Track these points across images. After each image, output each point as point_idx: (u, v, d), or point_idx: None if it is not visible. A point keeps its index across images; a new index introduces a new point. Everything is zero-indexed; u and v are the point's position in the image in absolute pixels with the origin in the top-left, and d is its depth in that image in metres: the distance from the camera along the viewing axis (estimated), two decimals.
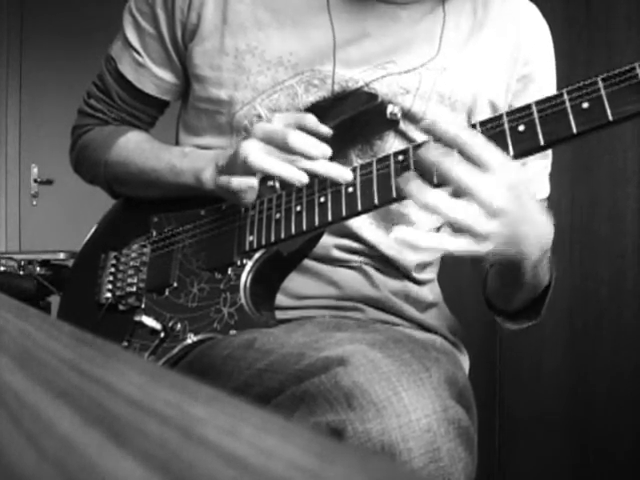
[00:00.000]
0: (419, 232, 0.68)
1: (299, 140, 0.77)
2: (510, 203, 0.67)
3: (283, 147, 0.78)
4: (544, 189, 1.02)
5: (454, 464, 0.63)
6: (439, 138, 0.70)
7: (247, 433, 0.20)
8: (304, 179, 0.77)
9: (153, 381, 0.27)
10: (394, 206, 0.91)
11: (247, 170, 0.80)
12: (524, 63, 0.95)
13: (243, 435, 0.20)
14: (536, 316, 0.93)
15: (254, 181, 0.81)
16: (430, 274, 1.02)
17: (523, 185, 0.69)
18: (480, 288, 0.99)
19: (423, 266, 1.00)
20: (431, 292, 1.02)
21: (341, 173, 0.78)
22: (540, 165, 1.00)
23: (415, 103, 0.90)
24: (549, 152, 1.01)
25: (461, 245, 0.68)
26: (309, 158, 0.78)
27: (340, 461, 0.18)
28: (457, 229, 0.68)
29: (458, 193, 0.68)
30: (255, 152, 0.78)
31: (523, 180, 0.70)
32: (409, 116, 0.90)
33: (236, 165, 0.81)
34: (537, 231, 0.73)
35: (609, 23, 2.05)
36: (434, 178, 0.71)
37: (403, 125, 0.90)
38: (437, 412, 0.63)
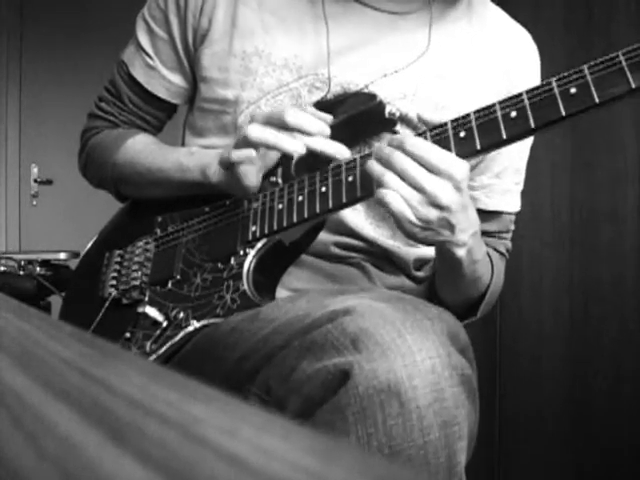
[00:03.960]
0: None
1: (296, 116, 0.80)
2: (455, 199, 0.74)
3: (281, 125, 0.81)
4: (514, 203, 1.05)
5: (458, 407, 0.65)
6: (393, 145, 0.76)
7: (247, 433, 0.20)
8: (300, 149, 0.80)
9: (153, 381, 0.27)
10: None
11: (247, 145, 0.83)
12: (509, 86, 0.97)
13: (243, 435, 0.20)
14: (474, 314, 0.97)
15: (253, 152, 0.83)
16: (427, 272, 1.04)
17: (466, 181, 0.75)
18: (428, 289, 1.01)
19: (420, 264, 1.02)
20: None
21: (338, 149, 0.81)
22: (512, 179, 1.03)
23: (411, 109, 0.93)
24: (522, 168, 1.05)
25: (403, 216, 0.74)
26: (307, 135, 0.81)
27: (340, 461, 0.18)
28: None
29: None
30: (254, 128, 0.81)
31: (467, 177, 0.75)
32: (405, 121, 0.93)
33: (237, 146, 0.84)
34: (469, 220, 0.78)
35: (609, 27, 2.05)
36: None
37: (400, 128, 0.93)
38: (441, 356, 0.65)
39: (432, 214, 0.74)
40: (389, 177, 0.74)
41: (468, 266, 0.84)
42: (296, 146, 0.80)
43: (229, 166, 0.85)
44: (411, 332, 0.65)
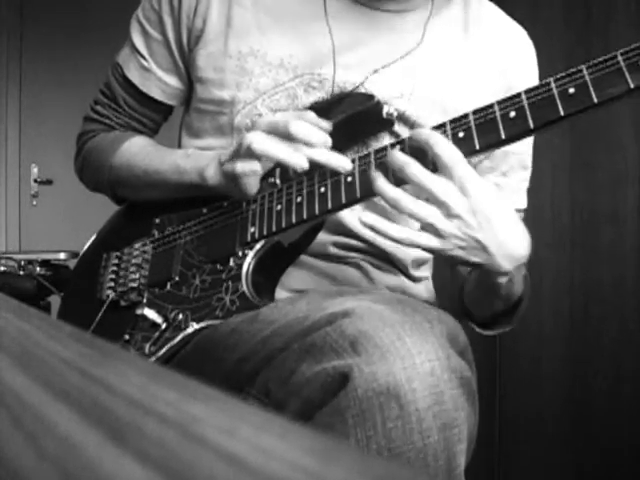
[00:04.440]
0: (388, 222, 0.75)
1: (301, 128, 0.80)
2: (465, 207, 0.73)
3: (285, 135, 0.80)
4: (521, 201, 1.05)
5: (457, 410, 0.64)
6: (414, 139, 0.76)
7: (246, 433, 0.20)
8: (305, 164, 0.79)
9: (153, 381, 0.27)
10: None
11: (251, 157, 0.82)
12: (508, 82, 0.98)
13: (242, 435, 0.20)
14: (508, 325, 0.95)
15: (257, 166, 0.83)
16: (425, 272, 1.04)
17: (482, 192, 0.73)
18: (455, 294, 1.00)
19: (418, 264, 1.02)
20: (426, 290, 1.04)
21: (341, 162, 0.81)
22: (519, 177, 1.03)
23: (409, 107, 0.93)
24: (529, 164, 1.05)
25: (425, 240, 0.74)
26: (311, 147, 0.80)
27: (340, 461, 0.18)
28: (422, 226, 0.75)
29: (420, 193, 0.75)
30: (258, 139, 0.81)
31: (484, 190, 0.74)
32: (403, 119, 0.93)
33: (240, 154, 0.83)
34: (507, 245, 0.76)
35: (608, 26, 2.05)
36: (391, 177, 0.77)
37: (397, 127, 0.93)
38: (440, 358, 0.64)
39: (452, 228, 0.73)
40: (406, 207, 0.74)
41: (505, 288, 0.83)
42: (301, 161, 0.79)
43: (233, 177, 0.85)
44: (410, 335, 0.64)
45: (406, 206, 0.73)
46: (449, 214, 0.73)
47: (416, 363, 0.63)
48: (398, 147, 0.79)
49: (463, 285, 0.98)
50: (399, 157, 0.75)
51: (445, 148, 0.73)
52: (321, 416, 0.65)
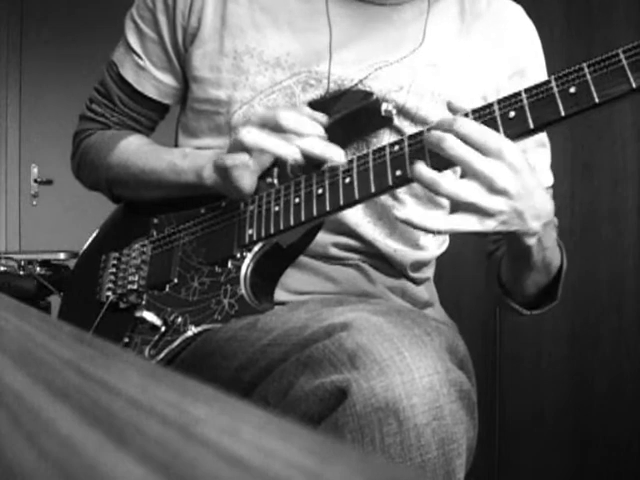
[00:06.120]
0: (424, 213, 0.72)
1: (290, 118, 0.79)
2: (512, 181, 0.71)
3: (276, 127, 0.80)
4: (547, 178, 1.03)
5: (456, 424, 0.64)
6: (442, 127, 0.73)
7: (247, 433, 0.20)
8: (296, 155, 0.79)
9: (153, 381, 0.26)
10: (390, 204, 0.93)
11: (242, 150, 0.82)
12: (514, 61, 0.97)
13: (243, 435, 0.20)
14: (552, 300, 0.93)
15: (247, 157, 0.82)
16: (425, 273, 1.03)
17: (522, 162, 0.72)
18: (494, 282, 0.97)
19: (418, 266, 1.01)
20: (427, 291, 1.03)
21: (334, 153, 0.80)
22: (538, 155, 1.01)
23: (409, 99, 0.92)
24: (546, 142, 1.03)
25: (468, 224, 0.71)
26: (302, 137, 0.79)
27: (340, 461, 0.18)
28: (463, 208, 0.71)
29: (463, 174, 0.72)
30: (248, 132, 0.80)
31: (521, 158, 0.72)
32: (403, 112, 0.92)
33: (232, 149, 0.83)
34: (537, 205, 0.74)
35: (609, 23, 2.05)
36: (428, 163, 0.74)
37: (397, 121, 0.92)
38: (439, 372, 0.64)
39: (497, 204, 0.71)
40: (447, 188, 0.71)
41: (537, 253, 0.81)
42: (291, 151, 0.78)
43: (224, 171, 0.84)
44: (409, 349, 0.64)
45: (447, 187, 0.70)
46: (492, 189, 0.71)
47: (415, 378, 0.62)
48: (397, 147, 0.78)
49: (499, 270, 0.96)
50: (435, 134, 0.72)
51: (472, 126, 0.71)
52: (319, 431, 0.65)
